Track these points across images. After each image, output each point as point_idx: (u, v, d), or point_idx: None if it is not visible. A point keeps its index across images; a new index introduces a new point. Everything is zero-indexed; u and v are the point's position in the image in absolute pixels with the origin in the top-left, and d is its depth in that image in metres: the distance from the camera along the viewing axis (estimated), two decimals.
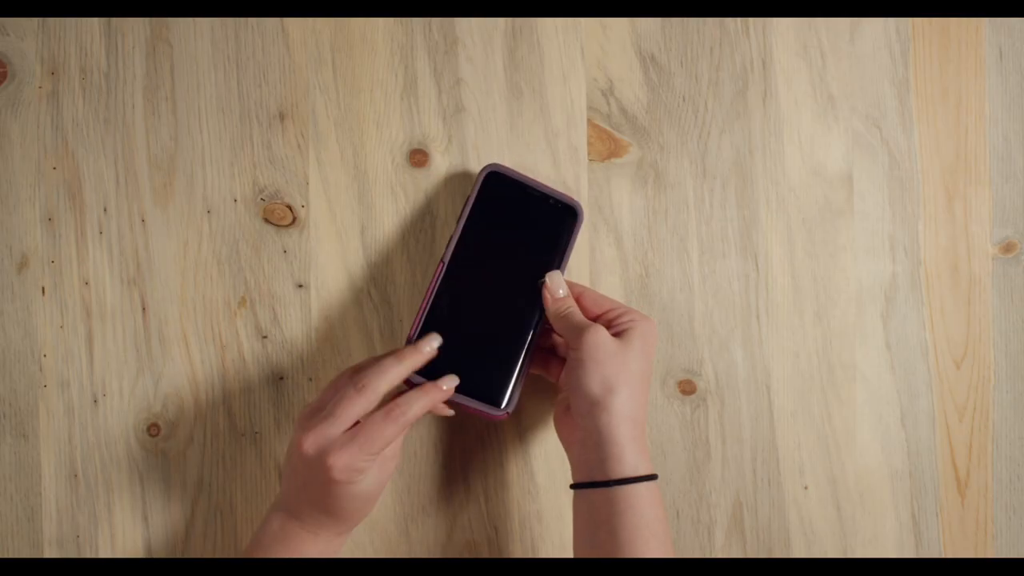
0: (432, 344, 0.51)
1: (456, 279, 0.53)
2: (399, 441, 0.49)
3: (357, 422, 0.47)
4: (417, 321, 0.52)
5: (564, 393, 0.53)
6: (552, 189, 0.55)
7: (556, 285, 0.53)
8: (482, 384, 0.51)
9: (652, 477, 0.48)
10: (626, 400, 0.48)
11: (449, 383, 0.50)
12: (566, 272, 0.54)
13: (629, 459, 0.48)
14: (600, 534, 0.48)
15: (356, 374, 0.48)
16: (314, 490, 0.47)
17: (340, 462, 0.46)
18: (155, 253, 0.56)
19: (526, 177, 0.55)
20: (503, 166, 0.55)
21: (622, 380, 0.48)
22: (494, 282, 0.53)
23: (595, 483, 0.48)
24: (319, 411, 0.48)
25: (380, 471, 0.48)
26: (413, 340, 0.51)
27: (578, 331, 0.50)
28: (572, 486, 0.50)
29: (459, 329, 0.52)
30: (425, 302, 0.52)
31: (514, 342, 0.53)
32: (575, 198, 0.56)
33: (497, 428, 0.58)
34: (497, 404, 0.51)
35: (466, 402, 0.51)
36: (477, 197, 0.54)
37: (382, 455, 0.48)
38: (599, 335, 0.49)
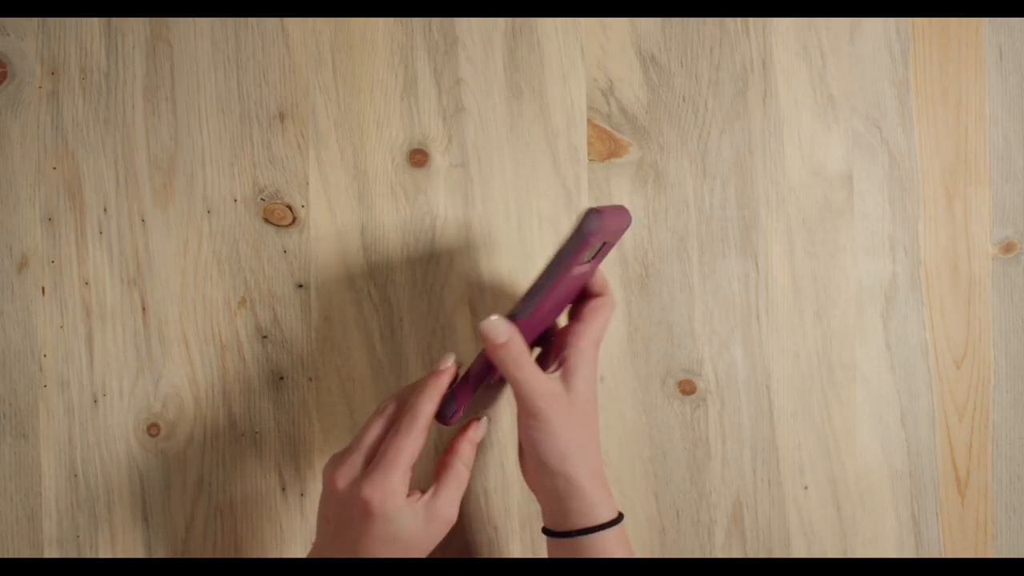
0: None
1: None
2: (456, 499, 0.48)
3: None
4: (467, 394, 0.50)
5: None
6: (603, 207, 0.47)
7: (494, 332, 0.46)
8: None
9: (617, 520, 0.49)
10: (582, 460, 0.48)
11: (445, 362, 0.50)
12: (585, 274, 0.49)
13: (597, 512, 0.48)
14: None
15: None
16: (351, 532, 0.46)
17: (371, 489, 0.45)
18: (155, 253, 0.56)
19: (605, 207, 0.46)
20: (599, 207, 0.45)
21: (577, 448, 0.47)
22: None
23: (569, 532, 0.48)
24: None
25: (428, 525, 0.47)
26: (456, 416, 0.50)
27: (529, 399, 0.47)
28: (547, 532, 0.50)
29: None
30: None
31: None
32: (616, 205, 0.48)
33: (496, 428, 0.58)
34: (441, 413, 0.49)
35: None
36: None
37: (434, 513, 0.47)
38: (554, 404, 0.47)
